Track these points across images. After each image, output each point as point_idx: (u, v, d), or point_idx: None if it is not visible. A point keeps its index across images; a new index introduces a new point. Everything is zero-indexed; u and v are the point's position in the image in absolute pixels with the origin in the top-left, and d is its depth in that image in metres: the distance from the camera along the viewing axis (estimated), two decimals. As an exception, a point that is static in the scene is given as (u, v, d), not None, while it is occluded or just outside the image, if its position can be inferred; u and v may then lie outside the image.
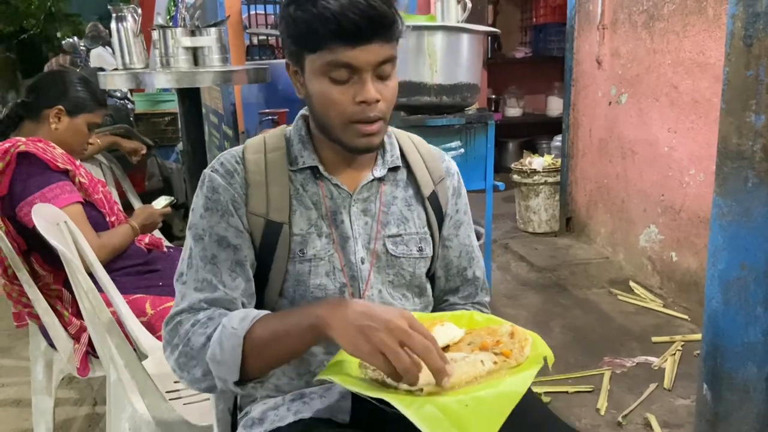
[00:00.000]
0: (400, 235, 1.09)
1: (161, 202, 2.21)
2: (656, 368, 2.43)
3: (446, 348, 0.92)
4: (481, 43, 2.28)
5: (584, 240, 3.86)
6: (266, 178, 1.03)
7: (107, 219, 1.92)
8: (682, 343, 2.60)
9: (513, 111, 5.93)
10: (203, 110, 3.14)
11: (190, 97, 2.58)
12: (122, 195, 3.06)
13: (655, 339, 2.66)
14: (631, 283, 3.28)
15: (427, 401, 0.78)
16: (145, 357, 1.67)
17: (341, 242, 1.05)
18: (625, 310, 2.99)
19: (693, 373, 2.38)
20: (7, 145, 1.73)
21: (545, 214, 4.05)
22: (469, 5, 2.25)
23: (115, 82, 2.46)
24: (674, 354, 2.52)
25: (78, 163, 1.90)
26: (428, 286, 1.17)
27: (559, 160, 4.05)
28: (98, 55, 6.18)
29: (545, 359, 0.91)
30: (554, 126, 4.82)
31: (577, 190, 3.91)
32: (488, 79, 5.63)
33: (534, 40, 5.96)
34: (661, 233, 3.12)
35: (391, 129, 1.14)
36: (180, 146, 4.19)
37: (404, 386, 0.81)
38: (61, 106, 1.94)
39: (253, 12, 4.80)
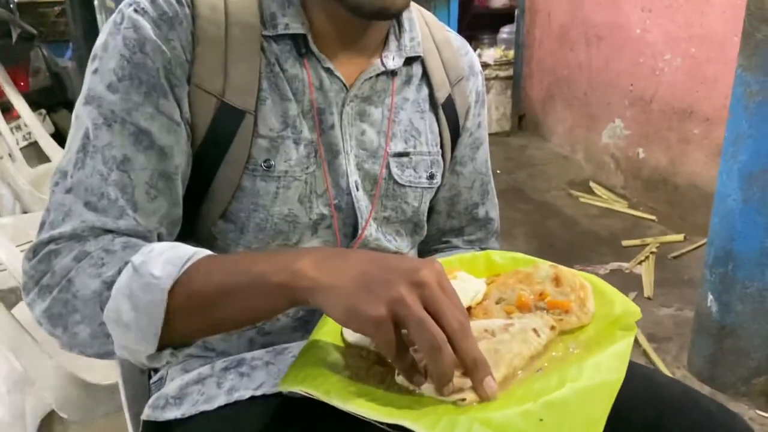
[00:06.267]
0: (407, 154, 0.75)
1: None
2: (628, 271, 2.23)
3: (468, 310, 0.60)
4: None
5: (539, 139, 3.60)
6: (226, 35, 0.64)
7: None
8: (657, 245, 2.40)
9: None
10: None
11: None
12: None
13: (625, 243, 2.45)
14: (592, 183, 3.05)
15: (473, 420, 0.44)
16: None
17: (328, 156, 0.69)
18: (589, 213, 2.77)
19: (672, 279, 2.19)
20: None
21: (496, 113, 3.75)
22: None
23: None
24: (647, 258, 2.32)
25: None
26: (425, 221, 0.82)
27: (512, 51, 3.69)
28: None
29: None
30: (497, 18, 4.39)
31: (532, 83, 3.60)
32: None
33: None
34: (628, 128, 2.87)
35: (412, 3, 0.74)
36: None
37: (429, 390, 0.47)
38: None
39: None
